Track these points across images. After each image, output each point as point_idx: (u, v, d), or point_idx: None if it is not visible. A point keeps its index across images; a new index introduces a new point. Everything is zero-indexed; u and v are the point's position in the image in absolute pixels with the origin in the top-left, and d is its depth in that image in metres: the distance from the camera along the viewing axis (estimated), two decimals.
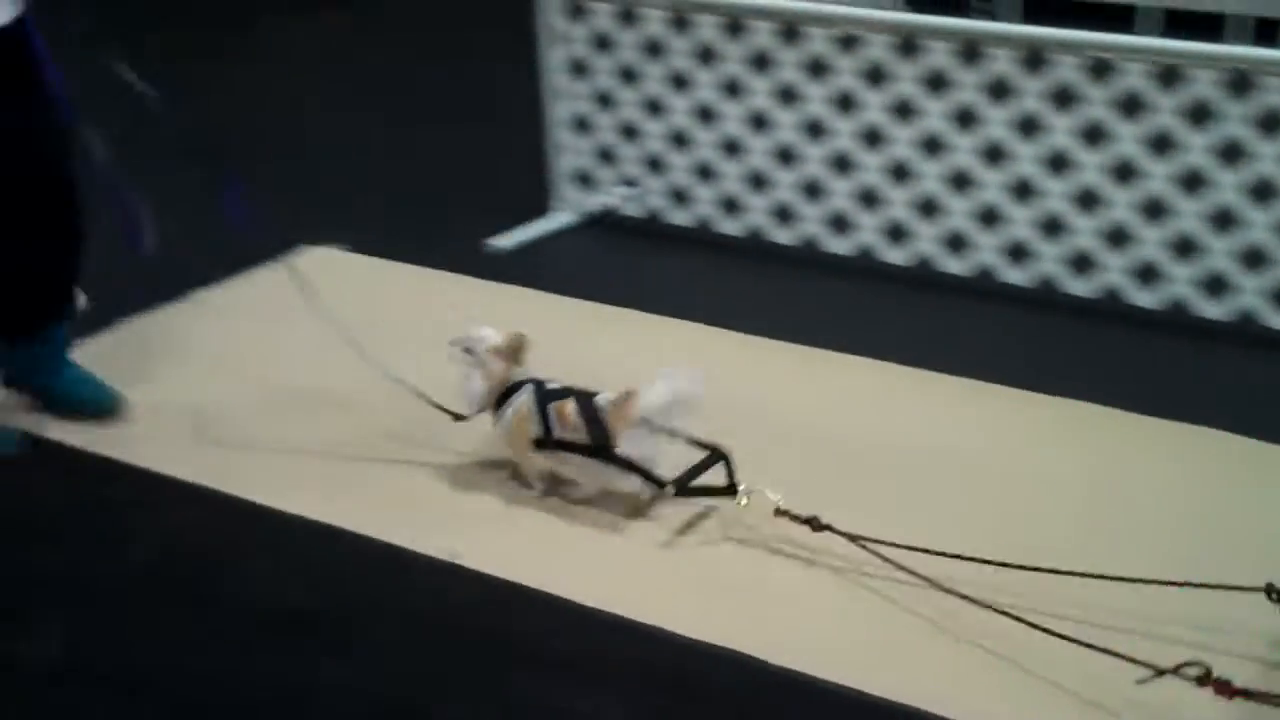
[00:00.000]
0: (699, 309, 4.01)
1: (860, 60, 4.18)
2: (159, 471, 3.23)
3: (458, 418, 3.21)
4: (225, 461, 3.28)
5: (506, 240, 4.56)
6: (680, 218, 4.61)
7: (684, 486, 3.00)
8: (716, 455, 3.05)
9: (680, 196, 4.59)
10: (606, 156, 4.68)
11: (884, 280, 4.30)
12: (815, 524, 2.89)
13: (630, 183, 4.68)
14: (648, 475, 2.97)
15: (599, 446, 2.97)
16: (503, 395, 3.11)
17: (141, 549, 2.98)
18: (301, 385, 3.60)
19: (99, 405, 3.46)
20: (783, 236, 4.46)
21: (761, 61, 4.33)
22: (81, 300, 3.55)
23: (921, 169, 4.20)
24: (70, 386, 3.48)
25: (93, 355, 3.65)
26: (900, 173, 4.23)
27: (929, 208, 4.22)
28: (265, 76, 6.69)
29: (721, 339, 3.89)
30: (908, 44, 4.10)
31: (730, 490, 2.99)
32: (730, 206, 4.52)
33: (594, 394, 3.03)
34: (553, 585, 2.80)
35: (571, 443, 3.01)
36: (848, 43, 4.19)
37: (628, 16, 4.50)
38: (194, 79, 6.49)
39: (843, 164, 4.31)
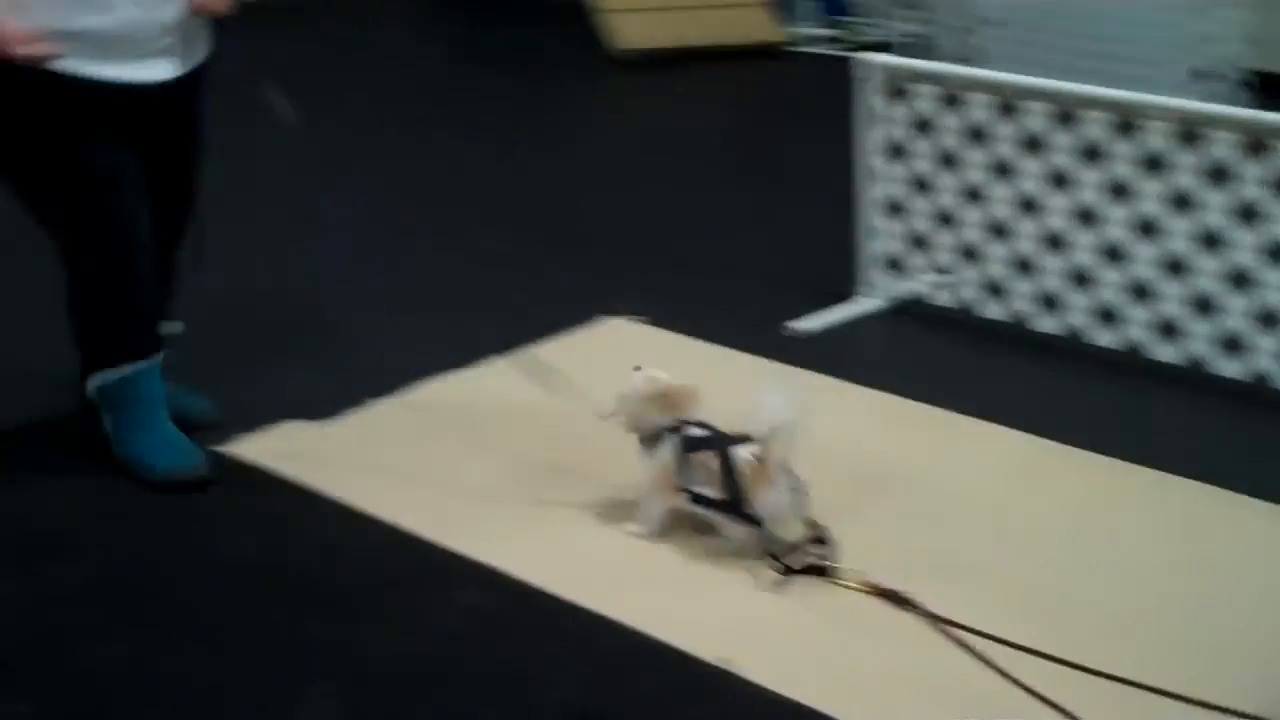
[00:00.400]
0: (1011, 412, 3.77)
1: (1198, 156, 3.90)
2: (446, 547, 3.17)
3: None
4: (508, 539, 3.20)
5: (808, 323, 4.40)
6: (994, 311, 4.37)
7: (784, 557, 3.00)
8: (821, 540, 3.04)
9: (995, 289, 4.36)
10: (919, 242, 4.49)
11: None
12: (897, 598, 2.90)
13: (942, 271, 4.47)
14: (769, 545, 2.99)
15: (731, 504, 3.00)
16: (654, 436, 3.12)
17: (426, 627, 2.93)
18: (578, 461, 3.51)
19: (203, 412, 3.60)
20: (1106, 338, 4.19)
21: (1092, 154, 4.09)
22: (178, 327, 3.56)
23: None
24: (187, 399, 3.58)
25: (384, 414, 3.69)
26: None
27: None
28: (567, 138, 6.73)
29: (1039, 450, 3.64)
30: (1256, 143, 3.81)
31: (827, 569, 2.99)
32: (1049, 303, 4.27)
33: (736, 442, 3.01)
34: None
35: (707, 498, 3.03)
36: (1188, 137, 3.91)
37: (951, 100, 4.31)
38: (497, 141, 6.59)
39: (1175, 266, 4.02)
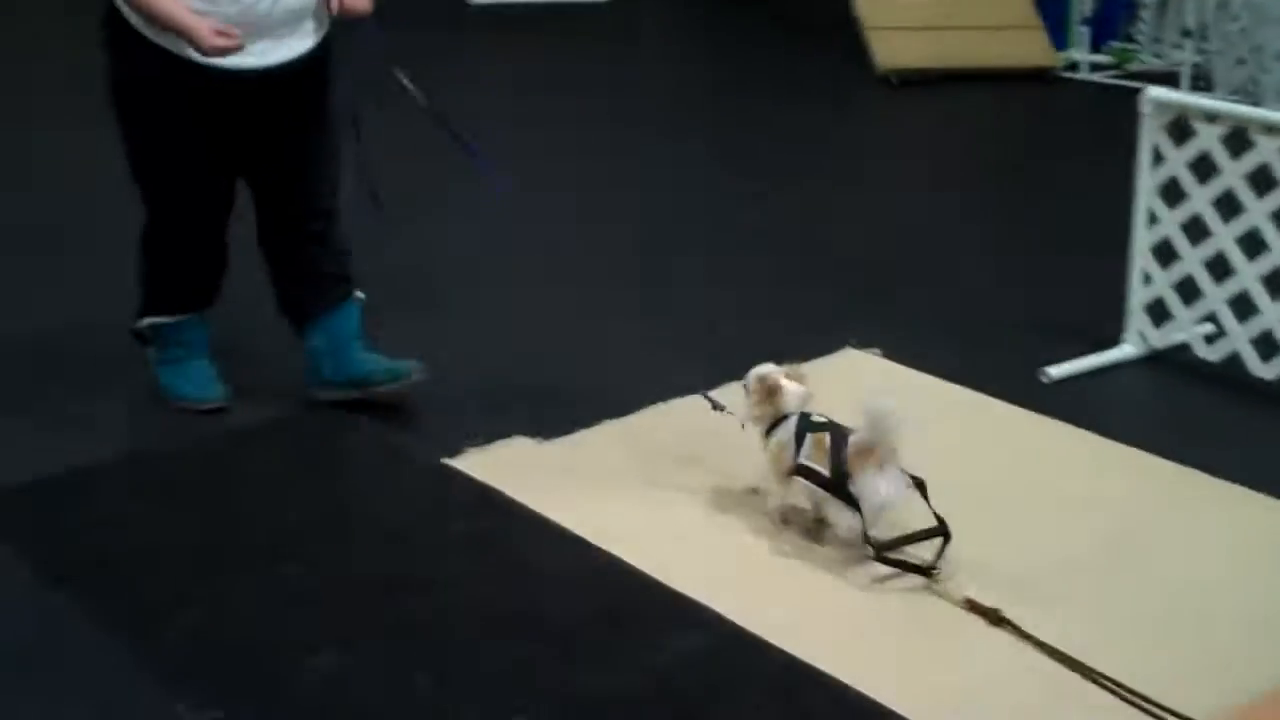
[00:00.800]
0: (1273, 479, 3.49)
1: None
2: (663, 582, 3.06)
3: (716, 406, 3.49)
4: (725, 580, 3.08)
5: (1064, 369, 4.16)
6: (1265, 370, 4.06)
7: (883, 550, 3.06)
8: (938, 531, 3.08)
9: (1269, 345, 4.05)
10: (1188, 290, 4.21)
11: None
12: (994, 617, 2.86)
13: (1212, 322, 4.19)
14: (861, 519, 3.05)
15: (835, 481, 3.08)
16: (773, 425, 3.28)
17: (635, 666, 2.83)
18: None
19: (399, 374, 3.79)
20: None
21: None
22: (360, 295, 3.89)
23: None
24: (372, 363, 3.82)
25: (610, 437, 3.64)
26: None
27: None
28: (825, 160, 6.58)
29: None
30: None
31: (927, 571, 3.03)
32: None
33: (849, 431, 3.12)
34: None
35: (813, 470, 3.13)
36: None
37: (1238, 139, 4.02)
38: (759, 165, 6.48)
39: None
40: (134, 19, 3.42)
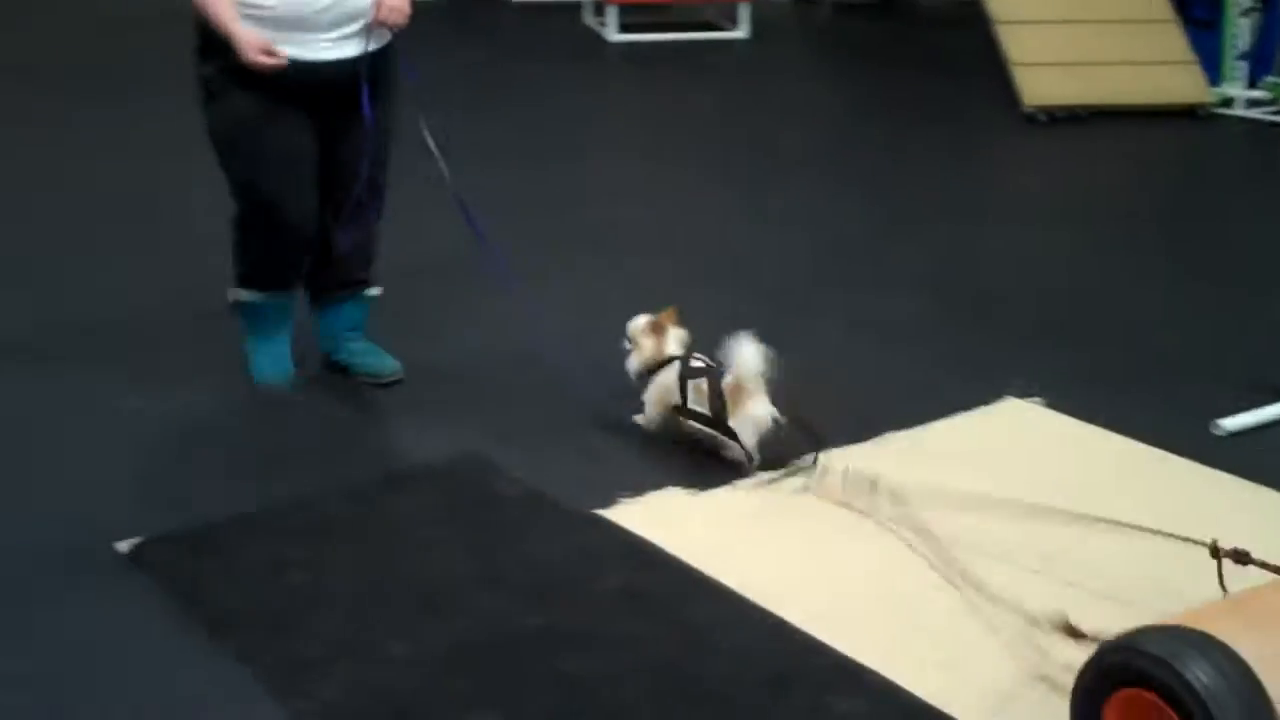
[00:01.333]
0: None
1: None
2: (828, 645, 2.98)
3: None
4: (890, 644, 2.98)
5: (1237, 421, 3.99)
6: None
7: (766, 462, 3.66)
8: (813, 438, 3.65)
9: None
10: None
11: None
12: (1074, 632, 2.85)
13: None
14: (743, 447, 3.64)
15: (717, 419, 3.66)
16: (655, 368, 3.83)
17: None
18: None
19: (380, 371, 4.20)
20: None
21: None
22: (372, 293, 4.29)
23: None
24: (358, 356, 4.24)
25: (764, 488, 3.59)
26: None
27: None
28: (969, 196, 6.44)
29: None
30: None
31: (810, 464, 3.63)
32: None
33: (724, 374, 3.66)
34: None
35: (698, 413, 3.70)
36: None
37: None
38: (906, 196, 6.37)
39: None
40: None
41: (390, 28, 3.92)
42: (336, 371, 4.29)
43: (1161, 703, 2.35)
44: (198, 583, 3.20)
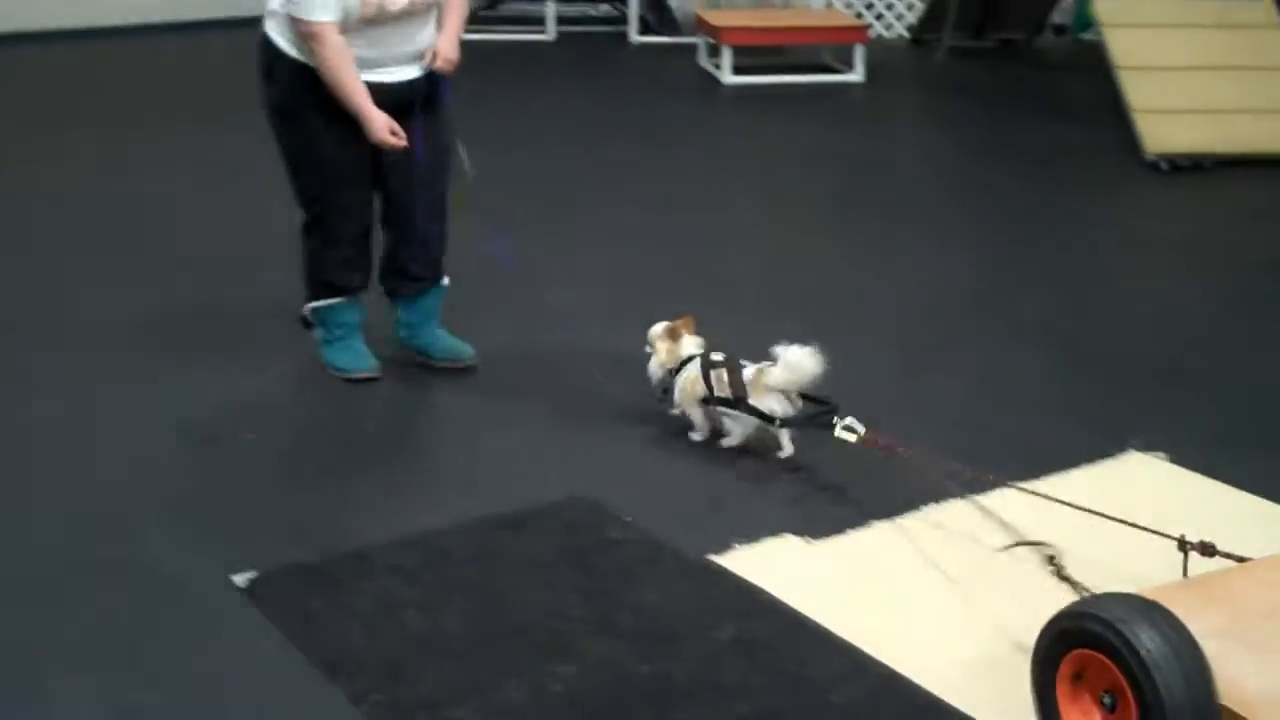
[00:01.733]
0: None
1: None
2: (943, 702, 2.93)
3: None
4: (1005, 705, 2.90)
5: None
6: None
7: (787, 421, 4.00)
8: (829, 406, 3.96)
9: None
10: None
11: None
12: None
13: None
14: (763, 416, 4.01)
15: (738, 399, 4.01)
16: (676, 368, 4.14)
17: None
18: None
19: (458, 356, 4.62)
20: None
21: None
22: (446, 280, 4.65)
23: None
24: (436, 341, 4.65)
25: (878, 538, 3.54)
26: None
27: None
28: (1086, 245, 6.33)
29: None
30: None
31: (827, 416, 3.94)
32: None
33: (743, 366, 4.04)
34: None
35: (723, 399, 4.03)
36: None
37: None
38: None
39: None
40: (284, 46, 4.16)
41: (443, 69, 4.36)
42: (416, 355, 4.67)
43: (1110, 663, 2.59)
44: (312, 619, 3.22)
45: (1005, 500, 3.72)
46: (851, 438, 3.85)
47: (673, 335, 4.18)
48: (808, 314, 5.20)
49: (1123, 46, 7.97)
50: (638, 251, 5.90)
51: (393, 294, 4.63)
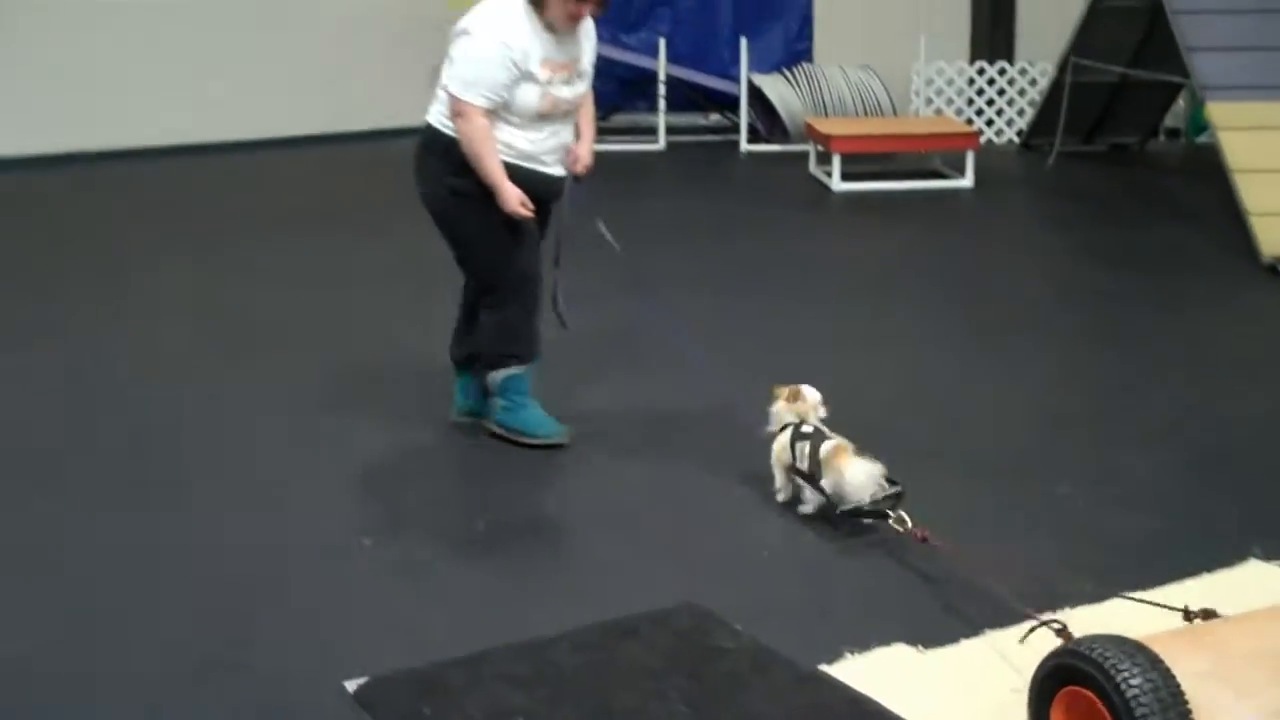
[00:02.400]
0: None
1: None
2: None
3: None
4: None
5: None
6: None
7: (847, 514, 4.21)
8: (896, 496, 4.16)
9: None
10: None
11: None
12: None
13: None
14: (828, 498, 4.23)
15: (810, 476, 4.25)
16: (781, 429, 4.43)
17: None
18: None
19: (551, 433, 4.87)
20: None
21: None
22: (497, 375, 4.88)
23: None
24: (532, 419, 4.89)
25: (996, 644, 3.49)
26: None
27: None
28: (1203, 347, 6.23)
29: None
30: None
31: (885, 515, 4.11)
32: None
33: (824, 440, 4.27)
34: None
35: (801, 471, 4.29)
36: None
37: None
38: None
39: None
40: (453, 132, 4.58)
41: (580, 172, 4.84)
42: (467, 417, 5.03)
43: (1097, 700, 2.79)
44: None
45: (1122, 612, 3.66)
46: (900, 528, 4.03)
47: (793, 396, 4.47)
48: (918, 418, 5.19)
49: (1237, 149, 7.90)
50: (735, 352, 5.89)
51: (458, 363, 5.02)
